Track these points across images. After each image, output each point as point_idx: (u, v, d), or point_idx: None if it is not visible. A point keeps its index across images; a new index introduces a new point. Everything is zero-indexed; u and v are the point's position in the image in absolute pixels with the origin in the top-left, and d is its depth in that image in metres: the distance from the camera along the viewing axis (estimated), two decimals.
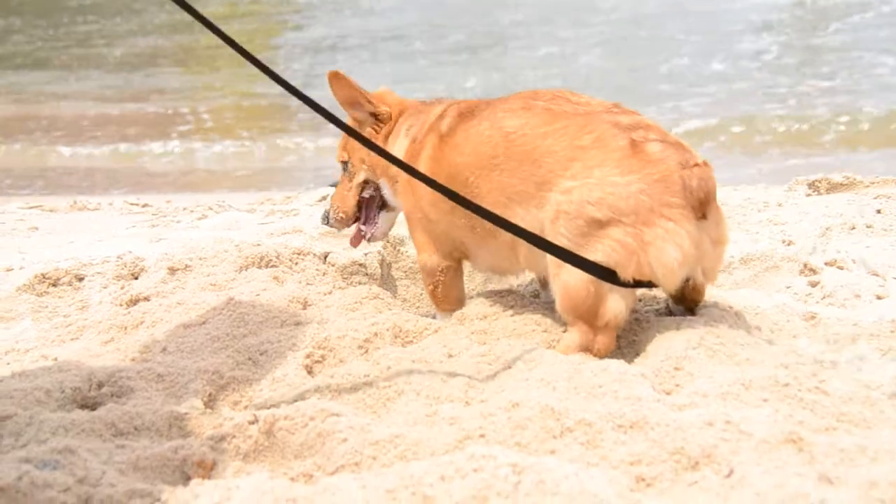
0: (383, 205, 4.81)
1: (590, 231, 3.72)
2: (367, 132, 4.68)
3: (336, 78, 4.59)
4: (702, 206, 3.67)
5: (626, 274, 3.68)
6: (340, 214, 4.86)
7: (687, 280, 3.87)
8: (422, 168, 4.25)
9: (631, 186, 3.68)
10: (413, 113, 4.71)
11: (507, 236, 3.99)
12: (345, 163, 4.80)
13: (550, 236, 3.80)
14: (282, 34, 22.04)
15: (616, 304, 3.74)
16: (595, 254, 3.70)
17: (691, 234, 3.66)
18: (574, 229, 3.74)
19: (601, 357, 3.75)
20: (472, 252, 4.39)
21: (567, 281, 3.78)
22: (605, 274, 3.68)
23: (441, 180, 3.98)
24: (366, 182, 4.80)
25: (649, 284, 3.73)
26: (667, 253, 3.64)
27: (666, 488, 2.69)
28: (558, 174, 3.84)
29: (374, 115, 4.73)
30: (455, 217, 4.23)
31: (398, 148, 4.56)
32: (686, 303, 4.15)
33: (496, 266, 4.44)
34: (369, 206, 4.85)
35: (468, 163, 4.10)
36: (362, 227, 4.84)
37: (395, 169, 4.39)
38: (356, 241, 4.88)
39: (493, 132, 4.08)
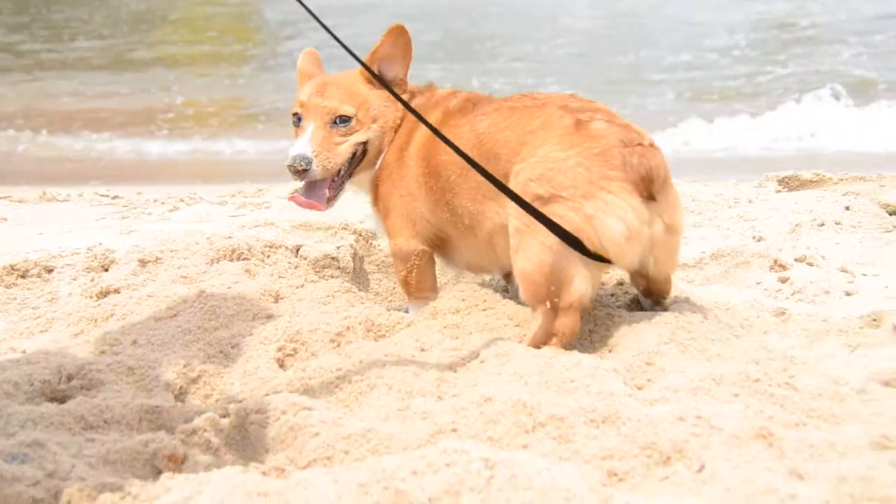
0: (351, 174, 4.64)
1: (540, 204, 3.71)
2: (379, 92, 4.57)
3: (402, 33, 4.51)
4: (644, 184, 3.65)
5: (564, 251, 3.67)
6: (329, 164, 4.45)
7: (644, 266, 3.85)
8: (419, 137, 4.37)
9: (569, 161, 3.70)
10: (416, 89, 4.70)
11: (486, 233, 4.00)
12: (345, 117, 4.50)
13: (508, 222, 3.83)
14: None
15: (576, 284, 3.72)
16: (544, 232, 3.68)
17: (635, 208, 3.64)
18: (520, 210, 3.75)
19: (566, 340, 3.76)
20: (453, 244, 4.39)
21: (524, 266, 3.78)
22: (573, 241, 3.65)
23: (430, 164, 4.17)
24: (364, 143, 4.57)
25: (608, 260, 3.73)
26: (609, 226, 3.62)
27: (637, 483, 2.70)
28: (512, 161, 3.89)
29: (401, 81, 4.63)
30: (439, 208, 4.25)
31: (398, 112, 4.59)
32: (653, 296, 4.17)
33: (474, 263, 4.44)
34: (346, 170, 4.57)
35: (451, 161, 4.11)
36: (326, 191, 4.50)
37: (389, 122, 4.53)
38: (311, 202, 4.46)
39: (470, 134, 4.13)
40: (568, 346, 3.76)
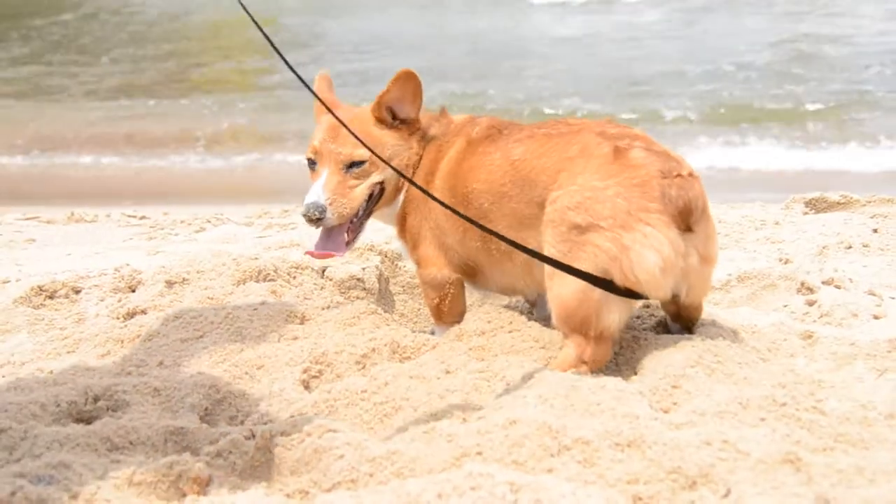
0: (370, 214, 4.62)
1: (572, 237, 3.73)
2: (391, 133, 4.55)
3: (410, 77, 4.46)
4: (682, 216, 3.66)
5: (617, 273, 3.66)
6: (345, 210, 4.40)
7: (675, 295, 3.85)
8: (445, 167, 4.36)
9: (608, 190, 3.69)
10: (430, 119, 4.67)
11: (522, 257, 3.99)
12: (359, 161, 4.45)
13: (543, 248, 3.81)
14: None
15: (608, 314, 3.72)
16: (580, 261, 3.69)
17: (672, 242, 3.64)
18: (558, 236, 3.77)
19: (595, 368, 3.77)
20: (485, 271, 4.39)
21: (559, 293, 3.78)
22: (602, 283, 3.67)
23: (457, 193, 4.19)
24: (380, 184, 4.54)
25: (641, 295, 3.73)
26: (646, 258, 3.62)
27: None
28: (549, 188, 3.88)
29: (413, 121, 4.60)
30: (468, 238, 4.27)
31: (415, 148, 4.56)
32: (682, 321, 4.16)
33: (508, 287, 4.44)
34: (364, 211, 4.54)
35: (482, 189, 4.15)
36: (345, 235, 4.47)
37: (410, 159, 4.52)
38: (325, 253, 4.43)
39: (503, 161, 4.13)
40: (596, 372, 3.76)
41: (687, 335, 3.98)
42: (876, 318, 4.46)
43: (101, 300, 5.11)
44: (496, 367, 3.73)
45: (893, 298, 4.64)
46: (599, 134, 3.92)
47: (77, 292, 5.25)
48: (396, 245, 5.66)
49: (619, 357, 3.87)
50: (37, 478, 2.76)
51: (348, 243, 4.44)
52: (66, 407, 3.56)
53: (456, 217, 4.15)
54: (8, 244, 6.95)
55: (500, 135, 4.27)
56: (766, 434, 2.96)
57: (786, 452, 2.80)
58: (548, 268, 3.81)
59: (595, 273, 3.66)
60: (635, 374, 3.75)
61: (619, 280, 3.65)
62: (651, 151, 3.80)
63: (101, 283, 5.30)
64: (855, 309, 4.52)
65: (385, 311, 4.81)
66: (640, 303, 4.00)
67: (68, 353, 4.42)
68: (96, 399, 3.64)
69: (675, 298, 3.90)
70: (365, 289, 5.20)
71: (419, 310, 5.35)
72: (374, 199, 4.55)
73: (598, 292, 3.69)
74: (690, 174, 3.75)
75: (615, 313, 3.73)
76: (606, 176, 3.73)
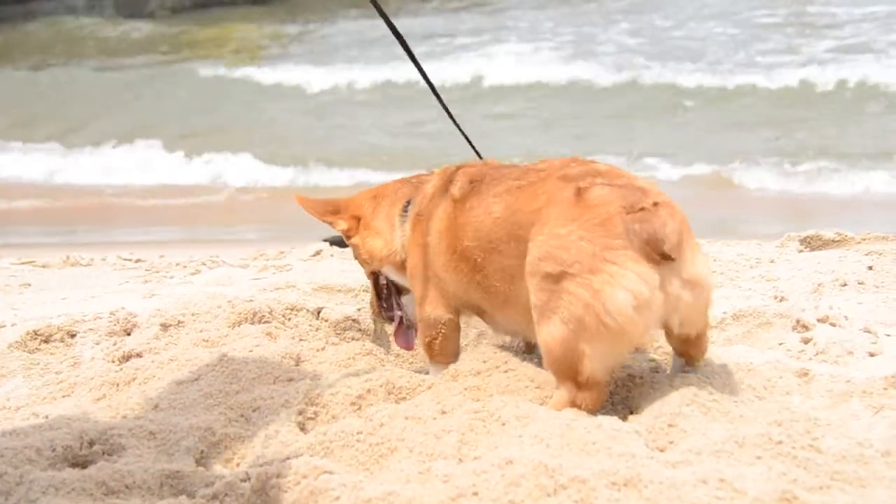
0: (399, 290, 4.82)
1: (548, 287, 3.71)
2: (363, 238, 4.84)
3: (300, 201, 4.84)
4: (650, 247, 3.57)
5: (587, 328, 3.62)
6: (371, 311, 5.06)
7: (672, 328, 3.83)
8: (436, 229, 4.37)
9: (571, 235, 3.66)
10: (395, 193, 4.81)
11: (523, 307, 3.97)
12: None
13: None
14: None
15: (593, 362, 3.67)
16: (559, 310, 3.67)
17: (642, 276, 3.57)
18: (536, 287, 3.76)
19: (590, 411, 3.73)
20: (488, 314, 4.40)
21: (545, 339, 3.76)
22: None
23: (456, 250, 4.24)
24: (373, 274, 4.86)
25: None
26: (617, 298, 3.56)
27: None
28: (528, 241, 3.86)
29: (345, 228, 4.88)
30: (471, 288, 4.28)
31: (398, 232, 4.68)
32: (686, 356, 4.10)
33: (512, 330, 4.46)
34: (388, 295, 4.88)
35: (474, 246, 4.16)
36: (397, 314, 4.85)
37: (397, 249, 4.67)
38: (400, 337, 4.88)
39: (486, 218, 4.14)
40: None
41: (683, 374, 3.98)
42: (872, 355, 4.46)
43: (97, 343, 5.11)
44: (492, 407, 3.71)
45: (889, 336, 4.66)
46: (561, 178, 3.91)
47: (72, 336, 5.25)
48: None
49: (614, 396, 3.88)
50: None
51: (405, 324, 4.88)
52: (62, 451, 3.55)
53: (457, 269, 4.26)
54: (3, 288, 6.94)
55: (480, 187, 4.28)
56: (763, 472, 2.97)
57: (782, 491, 2.81)
58: (535, 314, 3.81)
59: (572, 322, 3.64)
60: (631, 412, 3.76)
61: (594, 325, 3.60)
62: (613, 187, 3.75)
63: (96, 326, 5.30)
64: (850, 346, 4.53)
65: (381, 352, 4.81)
66: (630, 349, 3.97)
67: (64, 397, 4.41)
68: (91, 443, 3.63)
69: (671, 332, 3.88)
70: (360, 329, 5.21)
71: (414, 351, 5.35)
72: (388, 290, 4.87)
73: (581, 341, 3.66)
74: (656, 203, 3.68)
75: (600, 361, 3.68)
76: (569, 220, 3.70)
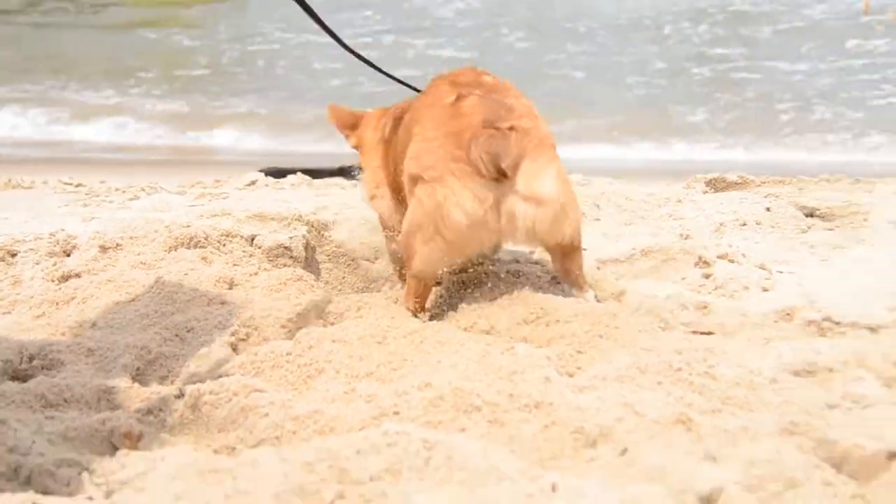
0: None
1: (410, 186, 3.86)
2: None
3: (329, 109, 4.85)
4: (487, 164, 3.62)
5: (424, 233, 3.79)
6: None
7: (531, 243, 3.95)
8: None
9: (435, 141, 3.75)
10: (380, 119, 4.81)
11: None
12: None
13: None
14: None
15: (421, 260, 3.91)
16: (411, 209, 3.86)
17: (475, 193, 3.66)
18: (406, 184, 3.95)
19: (411, 301, 4.05)
20: None
21: (402, 228, 4.02)
22: None
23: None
24: None
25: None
26: (453, 215, 3.68)
27: (566, 464, 2.74)
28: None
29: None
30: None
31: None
32: (567, 277, 4.18)
33: None
34: None
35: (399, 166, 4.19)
36: None
37: None
38: None
39: (403, 132, 4.23)
40: (417, 305, 4.06)
41: (593, 304, 4.04)
42: (765, 290, 4.55)
43: (37, 263, 5.03)
44: (414, 332, 3.75)
45: (781, 272, 4.75)
46: (451, 83, 3.97)
47: (13, 255, 5.16)
48: (323, 216, 5.67)
49: (526, 326, 3.91)
50: None
51: None
52: (2, 365, 3.53)
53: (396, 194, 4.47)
54: None
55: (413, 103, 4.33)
56: (662, 397, 3.03)
57: (679, 414, 2.88)
58: None
59: (414, 223, 3.85)
60: (544, 340, 3.80)
61: (430, 233, 3.78)
62: (484, 99, 3.80)
63: (36, 247, 5.21)
64: (746, 282, 4.61)
65: (311, 279, 4.81)
66: (462, 258, 4.03)
67: (4, 313, 4.35)
68: (31, 358, 3.61)
69: (534, 245, 4.05)
70: (292, 257, 5.19)
71: (343, 277, 5.36)
72: None
73: (417, 241, 3.84)
74: (511, 126, 3.71)
75: (427, 262, 3.89)
76: (438, 125, 3.79)
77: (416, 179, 3.83)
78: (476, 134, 3.66)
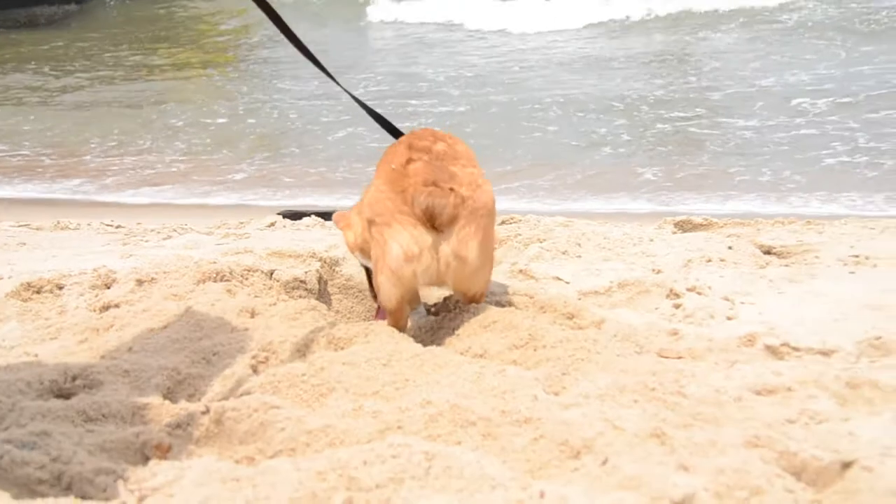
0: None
1: (369, 230, 4.04)
2: None
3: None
4: (427, 218, 3.83)
5: (379, 267, 3.98)
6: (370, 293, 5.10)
7: (445, 286, 4.10)
8: None
9: (384, 194, 3.94)
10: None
11: None
12: None
13: None
14: None
15: (384, 291, 4.02)
16: (372, 248, 4.04)
17: (414, 236, 3.85)
18: (365, 227, 4.12)
19: (393, 326, 4.13)
20: None
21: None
22: None
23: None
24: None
25: None
26: (392, 249, 3.87)
27: (553, 473, 2.70)
28: None
29: None
30: None
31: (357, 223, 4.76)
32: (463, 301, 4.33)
33: None
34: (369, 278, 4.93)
35: None
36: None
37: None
38: (380, 314, 4.72)
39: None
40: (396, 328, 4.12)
41: (575, 331, 4.02)
42: (729, 318, 4.53)
43: (81, 295, 5.02)
44: (414, 355, 3.72)
45: (743, 303, 4.72)
46: (408, 146, 4.12)
47: (60, 288, 5.15)
48: (334, 253, 5.65)
49: (516, 351, 3.88)
50: (22, 443, 2.72)
51: None
52: (48, 384, 3.49)
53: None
54: (2, 246, 6.79)
55: None
56: (639, 413, 3.00)
57: (654, 428, 2.84)
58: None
59: (374, 259, 4.03)
60: (536, 363, 3.77)
61: (383, 266, 3.95)
62: (428, 164, 3.98)
63: (80, 280, 5.20)
64: (712, 311, 4.58)
65: (323, 309, 4.78)
66: (410, 289, 4.11)
67: (51, 339, 4.33)
68: (74, 378, 3.57)
69: (448, 289, 4.17)
70: (307, 289, 5.17)
71: (352, 307, 5.33)
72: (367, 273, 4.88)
73: (378, 274, 4.00)
74: (452, 189, 3.90)
75: (388, 293, 4.00)
76: (389, 181, 3.96)
77: (371, 223, 4.01)
78: (419, 190, 3.86)
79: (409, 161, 4.00)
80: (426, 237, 3.86)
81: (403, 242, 3.86)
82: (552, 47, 20.27)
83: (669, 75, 16.76)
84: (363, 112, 4.90)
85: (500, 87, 16.84)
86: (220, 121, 15.80)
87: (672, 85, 15.98)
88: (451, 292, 4.28)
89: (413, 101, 15.97)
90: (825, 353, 3.93)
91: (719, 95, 14.94)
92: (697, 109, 14.18)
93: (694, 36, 20.15)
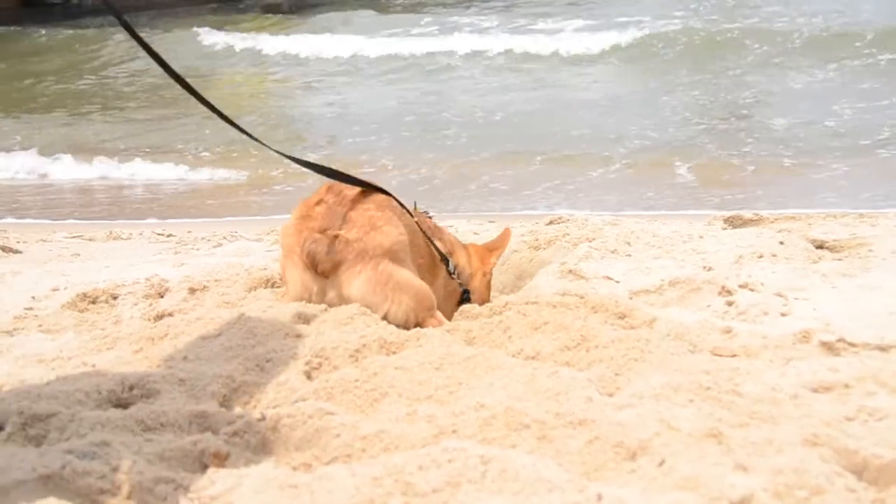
0: None
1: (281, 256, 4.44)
2: None
3: None
4: (310, 263, 4.24)
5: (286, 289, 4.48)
6: None
7: None
8: None
9: (290, 230, 4.32)
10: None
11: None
12: None
13: None
14: None
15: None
16: (282, 273, 4.50)
17: (300, 277, 4.31)
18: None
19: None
20: None
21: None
22: None
23: None
24: None
25: None
26: (290, 288, 4.41)
27: (609, 475, 2.69)
28: None
29: None
30: None
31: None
32: None
33: None
34: None
35: None
36: None
37: None
38: None
39: None
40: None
41: (628, 331, 4.00)
42: (783, 315, 4.48)
43: (135, 304, 5.09)
44: (468, 358, 3.72)
45: (797, 299, 4.67)
46: (327, 188, 4.46)
47: (115, 298, 5.22)
48: None
49: (569, 352, 3.86)
50: (82, 453, 2.75)
51: None
52: (107, 394, 3.53)
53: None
54: (57, 258, 6.91)
55: None
56: (694, 413, 2.97)
57: (710, 428, 2.82)
58: None
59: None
60: (588, 364, 3.75)
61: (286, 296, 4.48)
62: (329, 210, 4.29)
63: (134, 290, 5.27)
64: (766, 308, 4.54)
65: (374, 314, 4.79)
66: None
67: (108, 349, 4.38)
68: (132, 388, 3.61)
69: None
70: None
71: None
72: None
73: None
74: (337, 237, 4.19)
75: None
76: (297, 219, 4.33)
77: (282, 251, 4.43)
78: (308, 237, 4.21)
79: (317, 203, 4.35)
80: (312, 283, 4.31)
81: (294, 286, 4.35)
82: None
83: None
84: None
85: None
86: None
87: None
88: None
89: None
90: (883, 349, 3.87)
91: None
92: None
93: None
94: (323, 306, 4.63)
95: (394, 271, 4.34)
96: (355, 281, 4.28)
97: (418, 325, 4.39)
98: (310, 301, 4.36)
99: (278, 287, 5.07)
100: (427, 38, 23.20)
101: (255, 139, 4.59)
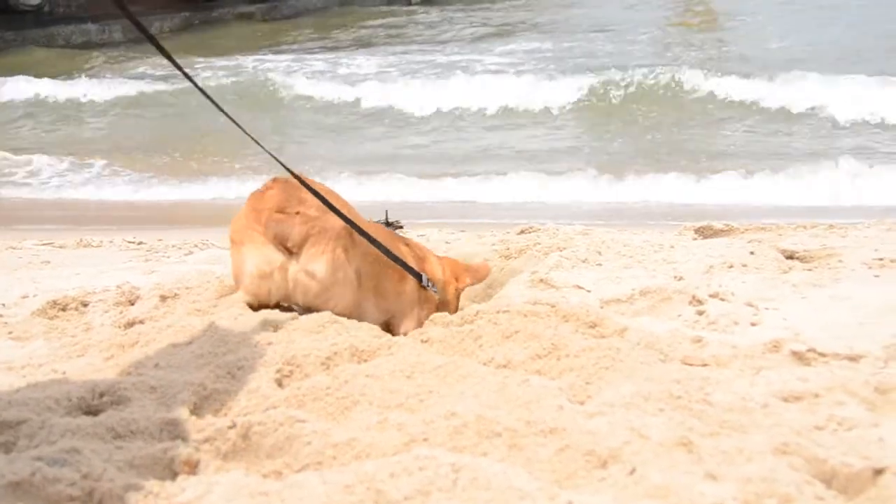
0: None
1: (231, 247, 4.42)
2: None
3: None
4: (278, 240, 4.21)
5: (235, 283, 4.49)
6: None
7: (295, 302, 4.43)
8: None
9: (243, 216, 4.34)
10: None
11: None
12: None
13: None
14: None
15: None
16: (230, 265, 4.48)
17: (265, 255, 4.25)
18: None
19: None
20: None
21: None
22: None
23: None
24: None
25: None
26: (246, 264, 4.33)
27: (580, 484, 2.69)
28: None
29: None
30: None
31: None
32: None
33: None
34: None
35: None
36: None
37: None
38: None
39: None
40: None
41: (598, 339, 4.00)
42: (753, 325, 4.51)
43: (106, 312, 5.05)
44: (438, 366, 3.72)
45: (767, 309, 4.71)
46: (274, 179, 4.45)
47: (85, 305, 5.18)
48: None
49: (540, 360, 3.87)
50: (52, 460, 2.74)
51: None
52: (77, 401, 3.51)
53: None
54: (27, 265, 6.84)
55: None
56: (665, 421, 2.99)
57: (680, 437, 2.83)
58: None
59: (233, 275, 4.52)
60: (559, 373, 3.76)
61: (238, 281, 4.47)
62: (282, 191, 4.30)
63: (105, 297, 5.23)
64: (736, 318, 4.57)
65: (346, 322, 4.78)
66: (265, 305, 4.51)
67: (78, 356, 4.34)
68: (102, 395, 3.58)
69: (299, 304, 4.44)
70: None
71: None
72: None
73: (239, 291, 4.52)
74: (297, 212, 4.22)
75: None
76: (249, 204, 4.35)
77: (231, 241, 4.41)
78: (271, 216, 4.21)
79: (269, 186, 4.37)
80: (277, 256, 4.25)
81: (256, 262, 4.28)
82: None
83: None
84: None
85: None
86: None
87: None
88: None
89: None
90: (852, 359, 3.90)
91: None
92: None
93: None
94: (293, 314, 4.61)
95: (348, 260, 4.40)
96: (320, 258, 4.31)
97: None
98: (271, 279, 4.34)
99: None
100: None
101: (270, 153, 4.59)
